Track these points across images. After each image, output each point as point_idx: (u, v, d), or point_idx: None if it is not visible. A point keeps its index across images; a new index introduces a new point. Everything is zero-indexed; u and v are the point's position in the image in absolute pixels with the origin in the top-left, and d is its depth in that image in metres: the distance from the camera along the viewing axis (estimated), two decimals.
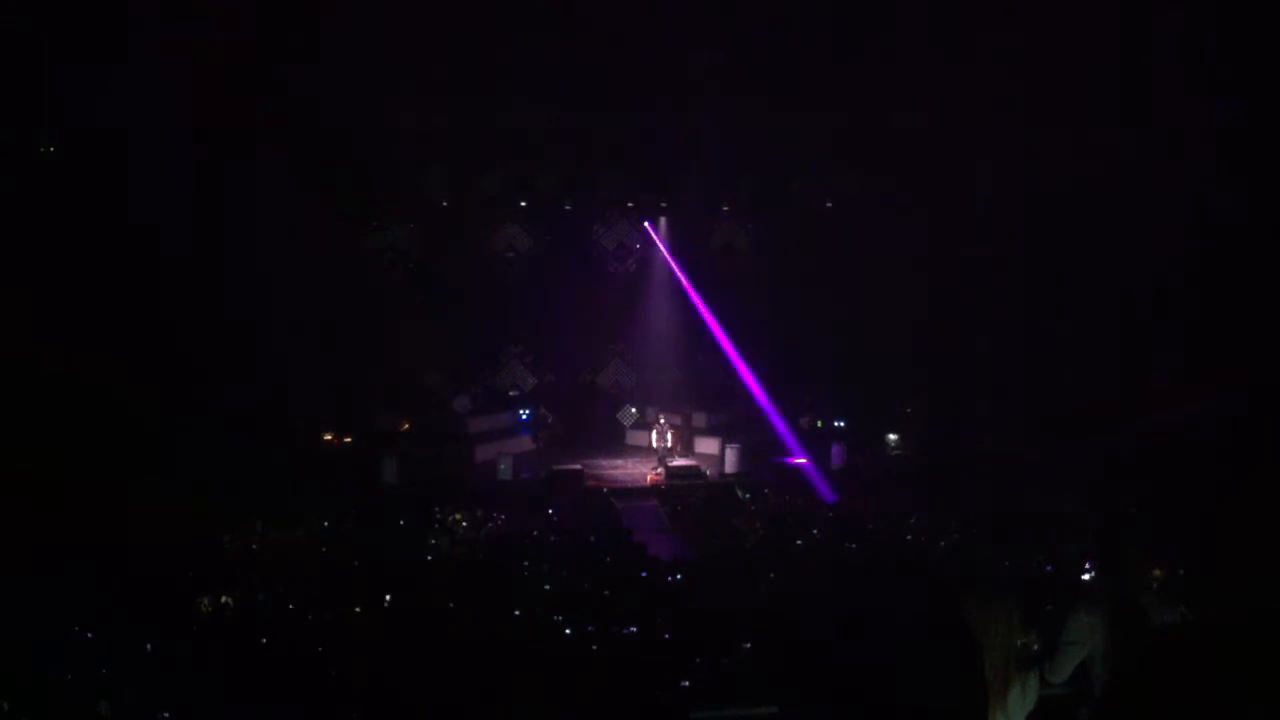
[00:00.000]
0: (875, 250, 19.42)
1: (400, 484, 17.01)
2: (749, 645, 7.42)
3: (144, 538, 11.23)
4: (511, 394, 21.91)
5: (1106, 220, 16.77)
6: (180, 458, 14.11)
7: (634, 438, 20.74)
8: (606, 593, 9.57)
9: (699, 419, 21.01)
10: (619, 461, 19.53)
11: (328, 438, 18.94)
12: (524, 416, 21.02)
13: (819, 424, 20.66)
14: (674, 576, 10.39)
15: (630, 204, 22.06)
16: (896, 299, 19.33)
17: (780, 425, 19.40)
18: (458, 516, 14.16)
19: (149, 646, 7.53)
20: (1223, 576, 8.59)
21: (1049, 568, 10.60)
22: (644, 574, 10.48)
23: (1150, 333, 16.20)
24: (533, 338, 21.75)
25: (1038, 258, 17.72)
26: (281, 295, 17.32)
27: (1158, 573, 8.05)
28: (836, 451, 18.69)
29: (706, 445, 19.84)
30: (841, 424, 20.43)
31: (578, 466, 18.09)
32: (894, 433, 20.11)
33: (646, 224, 22.08)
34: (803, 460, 18.33)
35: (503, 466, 17.96)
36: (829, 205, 21.55)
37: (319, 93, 16.52)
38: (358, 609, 8.98)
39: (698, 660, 7.20)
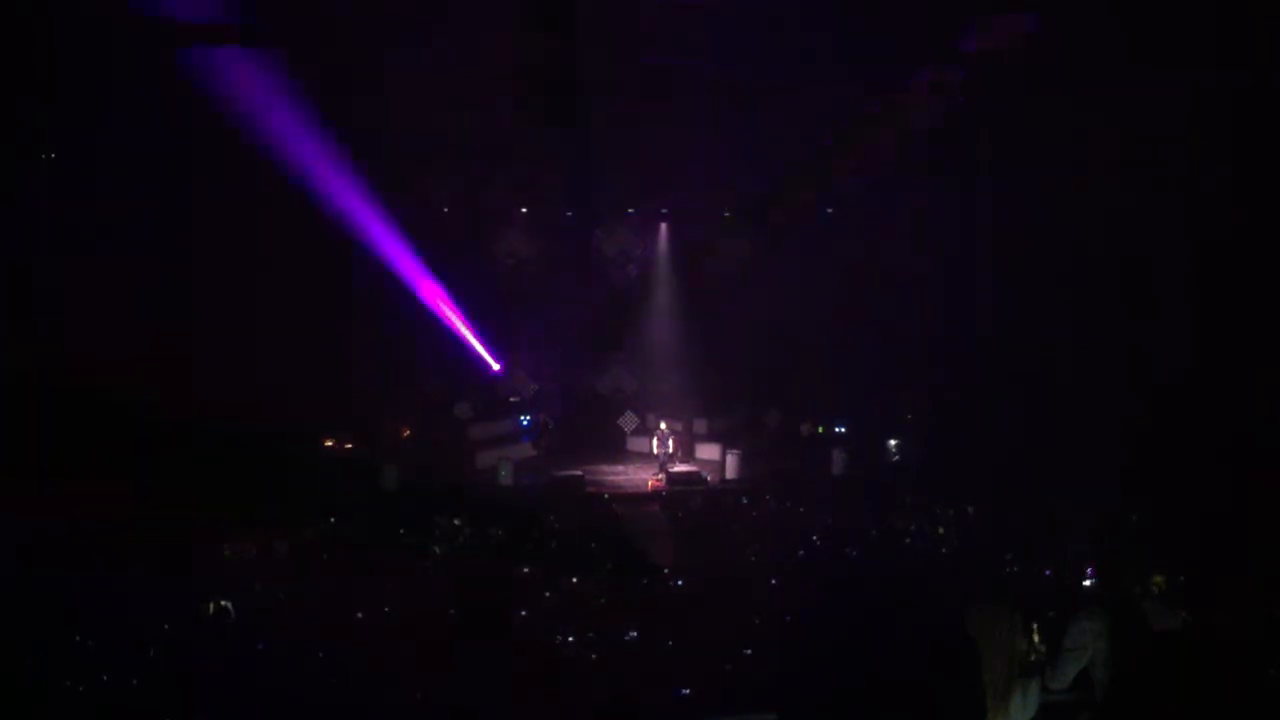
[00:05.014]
0: (876, 254, 19.41)
1: (401, 490, 16.97)
2: (749, 651, 7.41)
3: (144, 543, 11.23)
4: (512, 400, 21.89)
5: (1108, 220, 16.71)
6: (180, 463, 14.08)
7: (635, 444, 20.70)
8: (604, 600, 9.56)
9: (700, 425, 20.98)
10: (620, 468, 19.50)
11: (329, 444, 18.91)
12: (525, 422, 21.00)
13: (819, 430, 20.62)
14: (674, 583, 10.38)
15: (631, 210, 22.08)
16: (896, 303, 19.30)
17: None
18: (458, 523, 14.12)
19: (151, 651, 7.53)
20: (1224, 583, 8.58)
21: (1047, 572, 10.59)
22: (644, 580, 10.46)
23: (1153, 335, 16.12)
24: (534, 343, 21.74)
25: (1039, 258, 17.65)
26: (282, 300, 17.31)
27: (1159, 579, 8.05)
28: (836, 457, 18.64)
29: (708, 451, 19.81)
30: (842, 430, 20.40)
31: (578, 472, 18.07)
32: (894, 438, 20.06)
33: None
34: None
35: (503, 473, 17.93)
36: (829, 211, 21.55)
37: (320, 93, 16.54)
38: (359, 614, 8.98)
39: (698, 667, 7.19)
